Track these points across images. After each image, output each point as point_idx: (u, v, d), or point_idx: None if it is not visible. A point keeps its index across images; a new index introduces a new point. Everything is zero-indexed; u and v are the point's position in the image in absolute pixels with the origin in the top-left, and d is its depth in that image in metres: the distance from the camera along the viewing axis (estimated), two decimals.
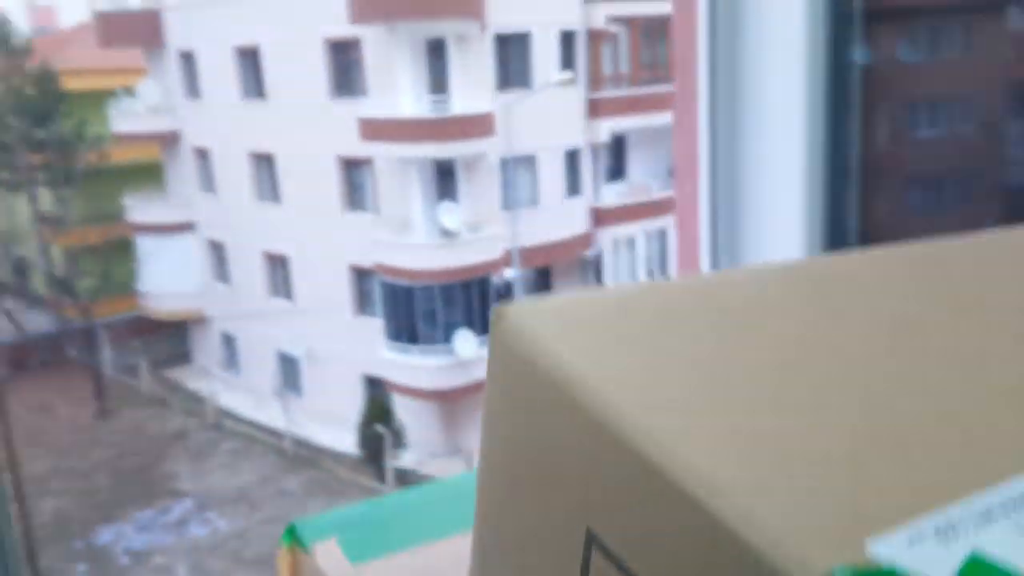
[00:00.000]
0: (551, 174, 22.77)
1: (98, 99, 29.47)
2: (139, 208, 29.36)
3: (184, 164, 28.92)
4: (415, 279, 21.10)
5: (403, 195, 22.19)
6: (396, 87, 21.43)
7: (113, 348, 28.39)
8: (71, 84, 30.10)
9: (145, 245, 29.10)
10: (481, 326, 20.51)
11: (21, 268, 30.45)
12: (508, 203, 21.58)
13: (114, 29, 29.06)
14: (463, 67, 20.96)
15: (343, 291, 24.12)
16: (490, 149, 21.16)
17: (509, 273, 21.01)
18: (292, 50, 23.46)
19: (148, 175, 30.78)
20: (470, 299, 21.10)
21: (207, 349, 28.77)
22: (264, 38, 24.26)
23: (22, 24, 48.47)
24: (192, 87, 27.66)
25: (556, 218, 22.69)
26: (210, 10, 27.66)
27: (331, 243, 23.91)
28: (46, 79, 29.38)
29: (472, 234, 21.15)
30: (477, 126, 19.96)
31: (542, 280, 23.14)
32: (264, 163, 25.82)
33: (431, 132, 20.69)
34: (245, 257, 27.22)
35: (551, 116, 22.03)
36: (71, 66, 31.47)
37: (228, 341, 28.06)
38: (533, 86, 21.76)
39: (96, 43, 30.63)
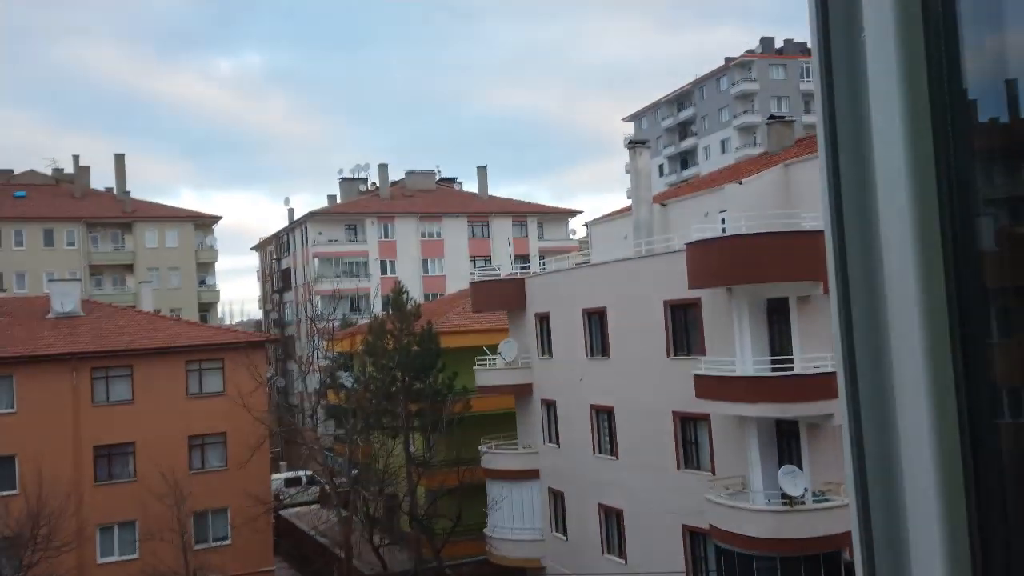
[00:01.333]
0: None
1: (467, 355, 33.48)
2: (492, 456, 31.66)
3: (533, 415, 31.05)
4: (753, 548, 19.66)
5: (740, 455, 21.43)
6: (734, 346, 21.48)
7: None
8: (447, 342, 34.73)
9: (494, 491, 31.00)
10: None
11: (392, 506, 33.88)
12: None
13: (485, 296, 33.42)
14: (805, 327, 20.49)
15: (675, 553, 23.21)
16: (837, 412, 19.86)
17: None
18: (634, 312, 24.87)
19: (502, 424, 33.49)
20: None
21: None
22: (610, 302, 26.10)
23: (417, 291, 58.06)
24: (545, 345, 30.23)
25: None
26: (564, 277, 30.75)
27: (665, 500, 23.50)
28: (429, 338, 34.08)
29: (818, 502, 19.49)
30: (821, 387, 19.00)
31: None
32: (604, 417, 26.79)
33: (770, 392, 20.14)
34: (582, 509, 27.69)
35: None
36: (448, 327, 36.55)
37: None
38: None
39: (471, 307, 35.39)
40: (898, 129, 1.10)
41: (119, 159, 67.78)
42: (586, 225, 40.97)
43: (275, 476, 40.77)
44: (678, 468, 23.56)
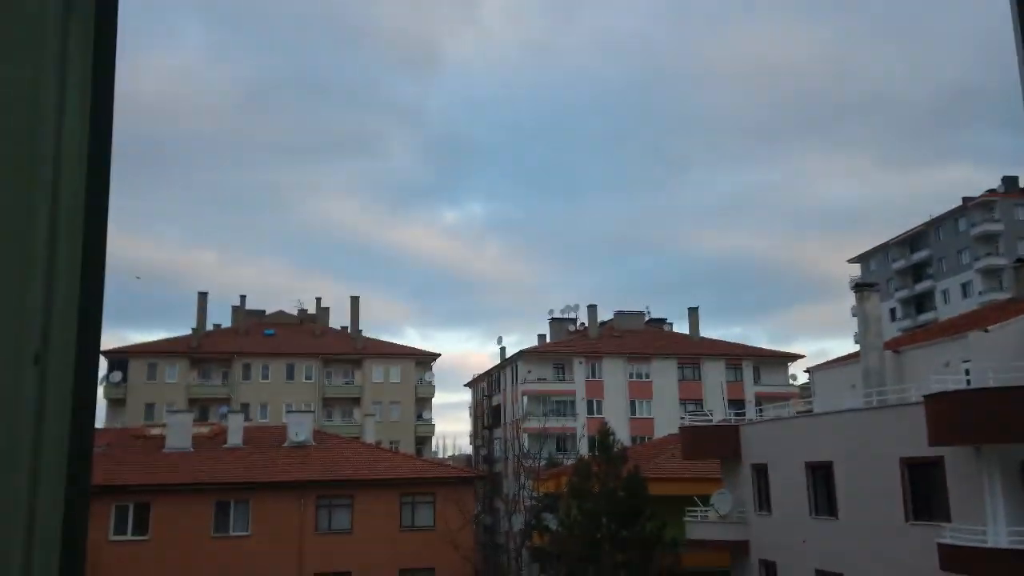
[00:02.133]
0: None
1: (676, 504, 31.99)
2: None
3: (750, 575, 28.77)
4: None
5: None
6: (984, 512, 18.96)
7: None
8: (655, 489, 33.45)
9: None
10: None
11: None
12: None
13: (696, 442, 32.15)
14: None
15: None
16: None
17: None
18: (866, 469, 22.82)
19: None
20: None
21: None
22: (837, 456, 24.18)
23: (624, 433, 57.11)
24: (762, 499, 28.31)
25: None
26: (785, 426, 29.01)
27: None
28: (636, 483, 33.00)
29: None
30: None
31: None
32: None
33: None
34: None
35: None
36: (656, 473, 35.31)
37: None
38: None
39: (680, 453, 34.11)
40: None
41: (354, 301, 74.12)
42: (808, 371, 38.81)
43: None
44: None
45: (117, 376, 63.06)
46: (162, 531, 31.94)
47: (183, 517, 32.18)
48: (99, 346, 0.99)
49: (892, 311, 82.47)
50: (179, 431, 36.04)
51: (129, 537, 31.82)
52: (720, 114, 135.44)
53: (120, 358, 63.83)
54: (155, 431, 38.16)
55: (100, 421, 58.26)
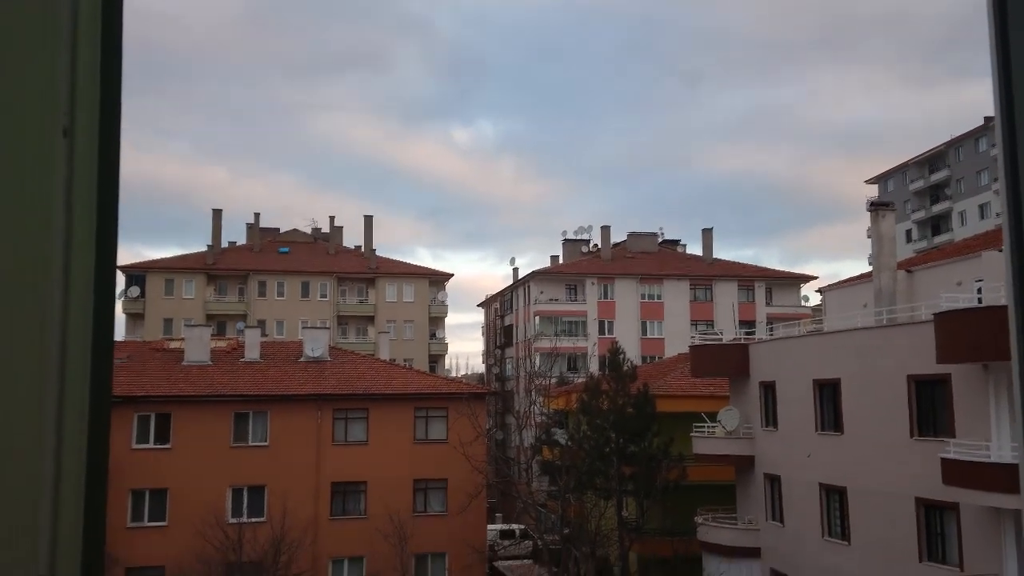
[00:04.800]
0: None
1: (684, 421, 32.62)
2: (708, 528, 30.37)
3: (754, 489, 29.49)
4: None
5: (994, 551, 18.98)
6: (989, 428, 19.27)
7: None
8: (663, 406, 34.08)
9: (711, 565, 29.62)
10: None
11: (603, 569, 33.38)
12: None
13: (705, 361, 32.51)
14: None
15: None
16: None
17: None
18: (873, 386, 23.09)
19: (719, 495, 32.10)
20: None
21: None
22: (845, 373, 24.44)
23: (635, 353, 57.74)
24: (769, 416, 28.78)
25: None
26: (794, 345, 29.25)
27: None
28: (645, 401, 33.61)
29: None
30: None
31: None
32: (835, 497, 24.89)
33: None
34: None
35: None
36: (665, 391, 35.88)
37: None
38: None
39: (689, 372, 34.57)
40: None
41: (368, 220, 74.17)
42: (820, 291, 38.86)
43: (490, 527, 41.66)
44: (920, 560, 21.28)
45: (135, 291, 63.91)
46: (183, 440, 32.91)
47: (203, 427, 33.09)
48: (115, 259, 1.04)
49: (908, 232, 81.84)
50: (197, 344, 36.71)
51: (151, 446, 32.82)
52: (735, 29, 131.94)
53: (138, 273, 64.56)
54: (174, 344, 38.88)
55: (119, 334, 59.33)
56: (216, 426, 33.27)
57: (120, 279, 64.49)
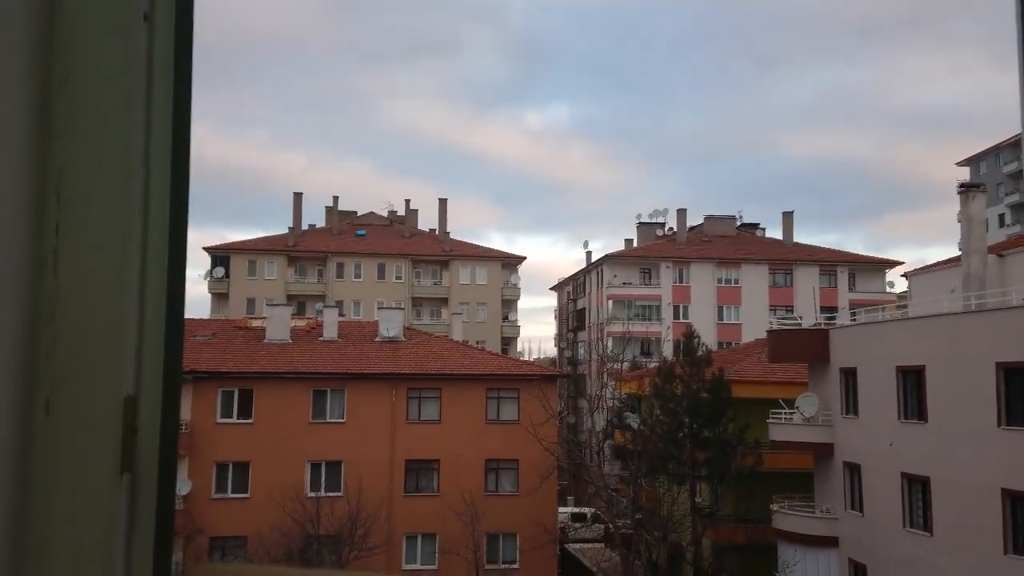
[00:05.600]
0: None
1: (759, 408, 32.01)
2: (785, 516, 29.79)
3: (833, 478, 28.78)
4: None
5: None
6: None
7: None
8: (738, 392, 33.52)
9: (786, 554, 29.08)
10: None
11: (675, 555, 33.18)
12: None
13: (784, 346, 31.78)
14: None
15: None
16: None
17: None
18: (959, 373, 22.22)
19: (795, 483, 31.44)
20: None
21: None
22: (930, 360, 23.59)
23: (711, 338, 56.85)
24: (850, 403, 28.00)
25: None
26: (877, 330, 28.35)
27: None
28: (719, 386, 33.14)
29: None
30: None
31: None
32: (917, 488, 24.10)
33: None
34: None
35: None
36: (741, 376, 35.27)
37: None
38: None
39: (766, 357, 33.88)
40: None
41: (442, 203, 74.85)
42: (906, 276, 37.47)
43: (562, 510, 41.81)
44: (1004, 552, 20.46)
45: (220, 271, 66.12)
46: (264, 415, 34.00)
47: (283, 403, 34.12)
48: (186, 238, 1.06)
49: (1001, 217, 78.07)
50: (278, 323, 37.81)
51: (234, 420, 34.03)
52: (813, 9, 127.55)
53: (222, 254, 66.74)
54: (256, 323, 40.11)
55: (205, 312, 61.63)
56: (296, 402, 34.25)
57: (205, 260, 66.94)
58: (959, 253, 29.27)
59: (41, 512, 0.89)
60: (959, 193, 29.70)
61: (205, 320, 43.53)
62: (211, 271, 66.35)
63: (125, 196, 0.97)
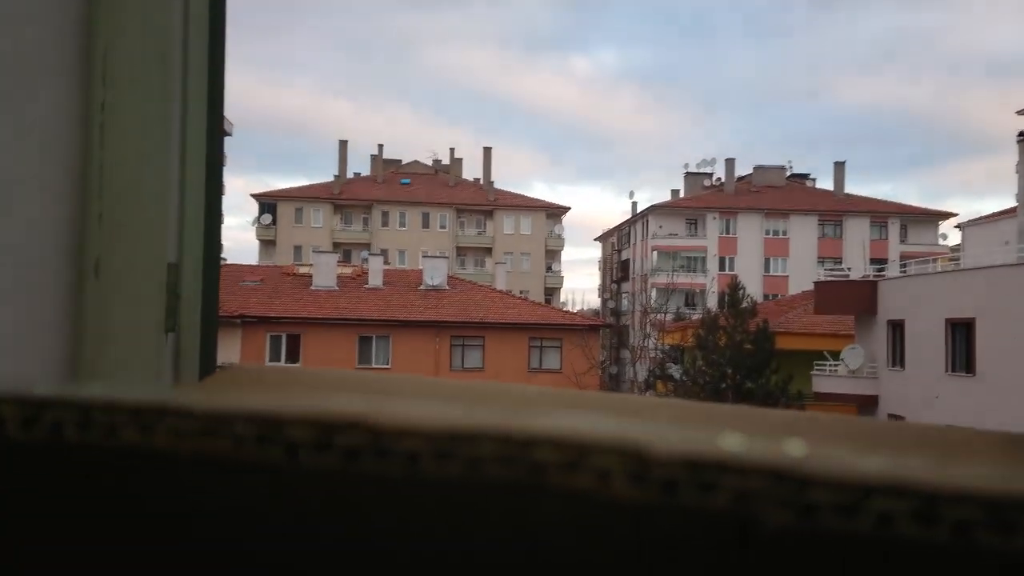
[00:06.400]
0: None
1: (804, 359, 31.76)
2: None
3: None
4: None
5: None
6: None
7: None
8: (783, 344, 33.24)
9: None
10: None
11: None
12: None
13: (831, 298, 31.38)
14: None
15: None
16: None
17: None
18: (1011, 326, 21.75)
19: None
20: None
21: None
22: (981, 312, 23.12)
23: (757, 290, 56.25)
24: (896, 355, 27.65)
25: None
26: (927, 282, 27.80)
27: None
28: (763, 337, 32.90)
29: None
30: None
31: None
32: None
33: None
34: None
35: None
36: (785, 328, 34.95)
37: None
38: None
39: (812, 309, 33.50)
40: None
41: (486, 152, 74.59)
42: (959, 227, 36.54)
43: None
44: None
45: (267, 218, 67.16)
46: (312, 360, 34.78)
47: (330, 349, 34.83)
48: (223, 108, 1.11)
49: None
50: (325, 270, 38.43)
51: (283, 364, 34.88)
52: None
53: (269, 201, 67.69)
54: (303, 270, 40.82)
55: (253, 259, 62.74)
56: (342, 348, 34.93)
57: (253, 206, 67.95)
58: (1015, 204, 28.37)
59: (92, 363, 1.00)
60: (1018, 142, 28.67)
61: (253, 266, 44.38)
62: (258, 218, 67.41)
63: (167, 78, 1.05)
